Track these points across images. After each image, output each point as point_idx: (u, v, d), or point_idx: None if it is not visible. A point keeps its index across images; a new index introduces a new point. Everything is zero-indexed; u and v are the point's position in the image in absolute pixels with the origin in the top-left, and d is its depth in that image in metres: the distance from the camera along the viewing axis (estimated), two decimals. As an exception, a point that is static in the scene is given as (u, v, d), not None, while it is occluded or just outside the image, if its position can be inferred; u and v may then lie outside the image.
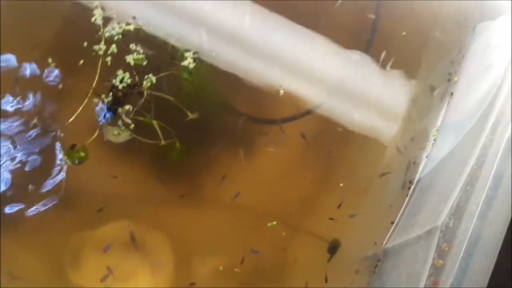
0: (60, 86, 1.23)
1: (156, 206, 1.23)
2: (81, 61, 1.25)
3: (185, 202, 1.25)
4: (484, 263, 0.91)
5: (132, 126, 1.23)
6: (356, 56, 1.37)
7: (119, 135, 1.22)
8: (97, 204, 1.20)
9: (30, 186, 1.19)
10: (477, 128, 1.10)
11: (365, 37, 1.37)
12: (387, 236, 1.26)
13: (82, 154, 1.21)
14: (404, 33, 1.39)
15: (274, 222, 1.26)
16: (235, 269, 1.22)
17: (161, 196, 1.24)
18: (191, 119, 1.26)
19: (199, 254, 1.23)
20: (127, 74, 1.24)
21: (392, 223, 1.28)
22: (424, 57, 1.39)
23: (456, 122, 1.27)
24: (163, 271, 1.20)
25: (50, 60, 1.23)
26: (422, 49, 1.39)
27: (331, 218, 1.28)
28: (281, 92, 1.31)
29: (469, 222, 0.95)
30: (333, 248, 1.26)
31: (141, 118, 1.24)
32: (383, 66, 1.37)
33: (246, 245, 1.24)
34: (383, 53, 1.36)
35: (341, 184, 1.30)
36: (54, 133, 1.21)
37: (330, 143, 1.31)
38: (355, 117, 1.33)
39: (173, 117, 1.25)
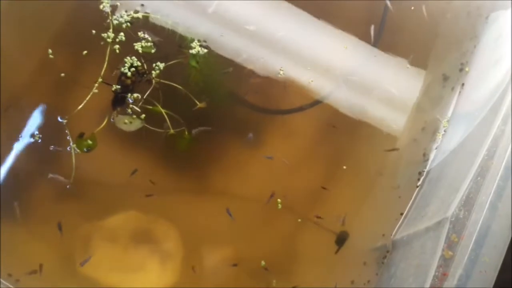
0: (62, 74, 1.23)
1: (165, 195, 1.23)
2: (88, 49, 1.25)
3: (194, 192, 1.25)
4: (494, 254, 0.90)
5: (143, 115, 1.23)
6: (366, 45, 1.36)
7: (130, 123, 1.22)
8: (106, 193, 1.20)
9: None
10: (488, 119, 1.09)
11: (375, 27, 1.36)
12: (396, 228, 1.25)
13: (90, 142, 1.20)
14: (414, 21, 1.37)
15: (279, 205, 1.25)
16: (243, 260, 1.22)
17: (170, 185, 1.24)
18: (200, 108, 1.25)
19: (208, 245, 1.22)
20: (135, 60, 1.24)
21: (402, 214, 1.27)
22: (435, 47, 1.38)
23: (467, 113, 1.25)
24: (172, 261, 1.19)
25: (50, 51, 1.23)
26: (433, 39, 1.38)
27: (339, 209, 1.27)
28: (290, 82, 1.30)
29: (479, 213, 0.94)
30: (341, 239, 1.25)
31: (150, 107, 1.23)
32: (394, 55, 1.36)
33: (255, 236, 1.24)
34: (394, 43, 1.36)
35: (350, 175, 1.29)
36: (63, 120, 1.21)
37: (339, 133, 1.31)
38: (365, 107, 1.33)
39: (181, 106, 1.25)
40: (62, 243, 1.17)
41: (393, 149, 1.31)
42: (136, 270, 1.19)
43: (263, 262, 1.20)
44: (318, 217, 1.24)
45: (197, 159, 1.26)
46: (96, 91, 1.22)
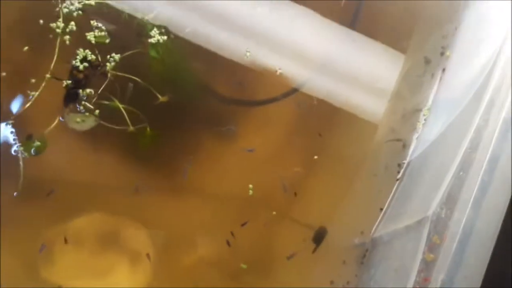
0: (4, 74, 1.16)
1: (129, 195, 1.17)
2: (35, 42, 1.17)
3: (162, 190, 1.20)
4: (479, 257, 0.85)
5: (97, 111, 1.16)
6: (342, 28, 1.32)
7: (83, 122, 1.15)
8: (63, 195, 1.14)
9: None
10: (471, 107, 1.04)
11: (351, 9, 1.32)
12: (376, 224, 1.22)
13: (38, 143, 1.13)
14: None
15: (251, 191, 1.20)
16: (216, 259, 1.18)
17: (134, 185, 1.18)
18: (162, 102, 1.19)
19: (179, 244, 1.18)
20: (88, 52, 1.17)
21: (381, 209, 1.23)
22: (415, 30, 1.34)
23: (449, 100, 1.22)
24: (142, 263, 1.15)
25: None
26: (412, 21, 1.35)
27: (317, 203, 1.24)
28: (264, 70, 1.26)
29: (462, 212, 0.89)
30: (319, 236, 1.21)
31: (107, 102, 1.16)
32: (371, 39, 1.33)
33: (228, 234, 1.19)
34: (372, 25, 1.32)
35: (329, 166, 1.26)
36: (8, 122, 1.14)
37: (316, 123, 1.27)
38: (343, 95, 1.29)
39: (142, 101, 1.19)
40: (22, 249, 1.11)
41: (397, 140, 1.28)
42: (105, 274, 1.14)
43: (243, 265, 1.17)
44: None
45: (163, 156, 1.20)
46: (44, 88, 1.15)
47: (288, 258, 1.19)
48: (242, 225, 1.18)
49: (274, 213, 1.21)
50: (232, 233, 1.18)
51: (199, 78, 1.25)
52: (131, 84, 1.18)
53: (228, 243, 1.17)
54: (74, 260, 1.13)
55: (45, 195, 1.13)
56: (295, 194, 1.22)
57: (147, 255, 1.15)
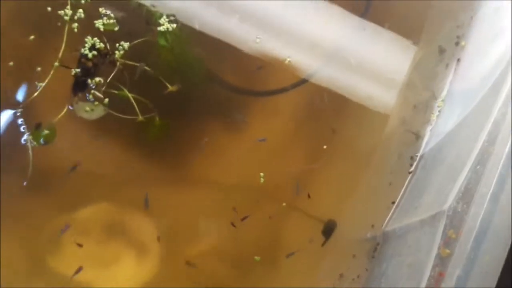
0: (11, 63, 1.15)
1: (137, 186, 1.17)
2: (43, 30, 1.16)
3: (170, 181, 1.20)
4: (496, 253, 0.82)
5: (106, 100, 1.15)
6: (354, 17, 1.29)
7: (92, 111, 1.15)
8: (72, 185, 1.14)
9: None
10: (489, 99, 1.01)
11: None
12: (388, 218, 1.21)
13: (47, 132, 1.12)
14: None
15: (262, 179, 1.19)
16: (224, 250, 1.18)
17: (142, 175, 1.18)
18: (171, 91, 1.18)
19: (186, 234, 1.18)
20: (97, 40, 1.16)
21: (393, 203, 1.21)
22: (428, 19, 1.31)
23: (464, 91, 1.20)
24: (149, 254, 1.15)
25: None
26: (425, 10, 1.32)
27: (326, 196, 1.23)
28: (273, 59, 1.25)
29: (480, 207, 0.86)
30: (329, 230, 1.20)
31: (116, 91, 1.15)
32: (383, 28, 1.30)
33: (235, 224, 1.18)
34: (383, 14, 1.30)
35: (339, 158, 1.25)
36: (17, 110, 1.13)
37: (326, 113, 1.26)
38: (353, 85, 1.27)
39: (151, 90, 1.18)
40: (29, 239, 1.11)
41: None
42: (111, 265, 1.14)
43: (256, 257, 1.16)
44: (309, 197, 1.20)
45: (172, 146, 1.20)
46: (53, 76, 1.14)
47: (296, 251, 1.18)
48: (243, 219, 1.18)
49: (284, 204, 1.20)
50: (235, 224, 1.17)
51: (208, 67, 1.23)
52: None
53: (233, 233, 1.18)
54: (80, 250, 1.12)
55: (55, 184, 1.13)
56: (305, 188, 1.21)
57: (158, 237, 1.15)
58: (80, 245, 1.12)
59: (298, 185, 1.21)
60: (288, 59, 1.25)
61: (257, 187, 1.19)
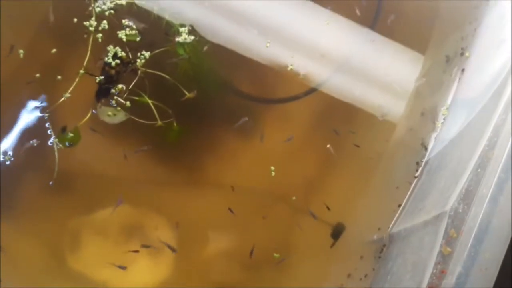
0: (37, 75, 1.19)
1: (155, 188, 1.20)
2: (69, 41, 1.21)
3: (185, 184, 1.22)
4: (495, 251, 0.85)
5: (128, 103, 1.19)
6: (363, 28, 1.32)
7: (114, 115, 1.18)
8: (91, 186, 1.18)
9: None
10: (490, 107, 1.03)
11: (372, 8, 1.32)
12: (394, 220, 1.22)
13: (72, 135, 1.17)
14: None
15: (273, 173, 1.21)
16: (236, 253, 1.20)
17: (160, 178, 1.21)
18: (189, 98, 1.21)
19: (201, 237, 1.20)
20: (119, 49, 1.20)
21: (399, 206, 1.23)
22: (434, 31, 1.33)
23: (468, 100, 1.21)
24: (165, 256, 1.17)
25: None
26: (433, 21, 1.34)
27: (336, 200, 1.24)
28: (285, 69, 1.27)
29: (479, 207, 0.89)
30: (337, 232, 1.22)
31: (136, 98, 1.19)
32: (391, 39, 1.32)
33: (249, 229, 1.21)
34: (391, 26, 1.32)
35: (347, 164, 1.26)
36: (45, 114, 1.18)
37: (336, 122, 1.28)
38: (363, 94, 1.29)
39: (169, 97, 1.21)
40: (50, 238, 1.14)
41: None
42: (128, 265, 1.16)
43: (275, 254, 1.18)
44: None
45: (188, 150, 1.23)
46: (78, 83, 1.18)
47: (307, 252, 1.21)
48: (260, 219, 1.20)
49: (294, 199, 1.22)
50: (247, 226, 1.20)
51: (223, 76, 1.26)
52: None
53: (245, 234, 1.20)
54: (99, 250, 1.15)
55: (77, 185, 1.15)
56: (313, 191, 1.23)
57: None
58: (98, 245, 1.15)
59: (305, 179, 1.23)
60: (292, 67, 1.27)
61: (269, 191, 1.22)
